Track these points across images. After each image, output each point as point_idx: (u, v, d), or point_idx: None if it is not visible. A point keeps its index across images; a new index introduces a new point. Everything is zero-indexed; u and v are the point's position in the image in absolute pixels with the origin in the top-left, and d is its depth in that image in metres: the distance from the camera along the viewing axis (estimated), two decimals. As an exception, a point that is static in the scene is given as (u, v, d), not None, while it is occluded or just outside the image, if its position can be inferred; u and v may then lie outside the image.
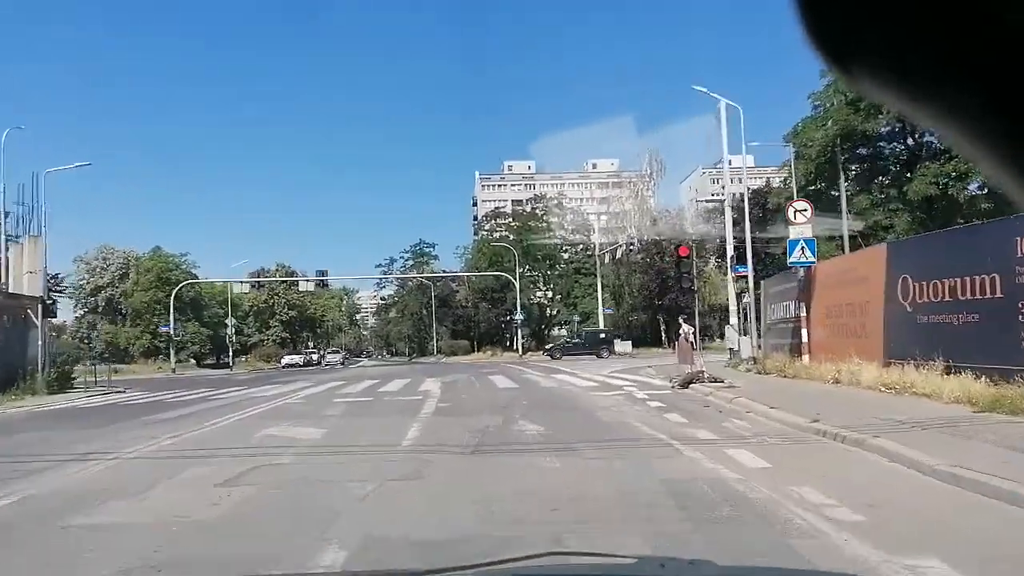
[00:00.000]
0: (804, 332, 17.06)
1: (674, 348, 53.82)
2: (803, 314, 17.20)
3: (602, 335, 52.35)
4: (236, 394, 20.24)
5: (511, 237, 70.59)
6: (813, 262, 17.27)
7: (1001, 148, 0.49)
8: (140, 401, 19.65)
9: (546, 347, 55.17)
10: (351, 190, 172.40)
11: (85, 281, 74.52)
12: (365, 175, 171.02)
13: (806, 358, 16.89)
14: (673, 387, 16.08)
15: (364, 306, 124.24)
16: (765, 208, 36.35)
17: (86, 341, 73.53)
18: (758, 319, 22.36)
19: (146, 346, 65.63)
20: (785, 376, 16.83)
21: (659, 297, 61.92)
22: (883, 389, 12.57)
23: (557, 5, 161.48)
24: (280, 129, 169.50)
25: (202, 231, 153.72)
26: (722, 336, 45.97)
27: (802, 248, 16.87)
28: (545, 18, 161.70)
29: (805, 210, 17.62)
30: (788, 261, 17.58)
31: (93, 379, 29.64)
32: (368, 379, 25.59)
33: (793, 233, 17.11)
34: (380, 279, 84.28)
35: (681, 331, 20.86)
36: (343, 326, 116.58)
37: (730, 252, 24.36)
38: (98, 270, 74.05)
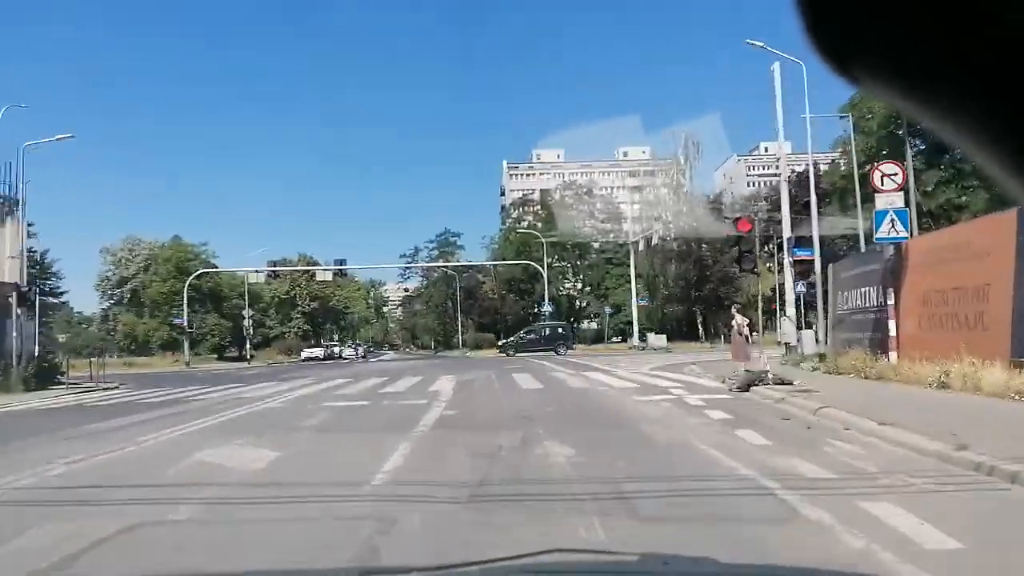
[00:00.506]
0: (891, 324, 13.96)
1: (712, 343, 51.00)
2: (890, 302, 14.06)
3: (560, 330, 51.24)
4: (222, 393, 17.79)
5: (539, 226, 67.97)
6: (905, 237, 14.10)
7: (1002, 148, 0.48)
8: (110, 402, 17.26)
9: (499, 344, 54.39)
10: (376, 182, 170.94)
11: (111, 272, 73.11)
12: (390, 166, 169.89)
13: (893, 355, 13.89)
14: (730, 390, 13.39)
15: (392, 298, 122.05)
16: (816, 191, 33.28)
17: (111, 333, 72.34)
18: (825, 309, 19.29)
19: (164, 338, 63.94)
20: (867, 377, 13.96)
21: (697, 287, 58.80)
22: (1017, 397, 9.74)
23: (560, 4, 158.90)
24: (297, 127, 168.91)
25: (226, 224, 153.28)
26: (768, 329, 42.76)
27: (891, 221, 13.64)
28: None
29: (896, 174, 14.30)
30: (875, 237, 14.40)
31: (88, 373, 27.56)
32: (376, 376, 23.01)
33: (880, 203, 13.93)
34: (403, 268, 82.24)
35: (734, 323, 17.91)
36: (369, 319, 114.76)
37: (787, 233, 21.33)
38: (124, 261, 72.53)
